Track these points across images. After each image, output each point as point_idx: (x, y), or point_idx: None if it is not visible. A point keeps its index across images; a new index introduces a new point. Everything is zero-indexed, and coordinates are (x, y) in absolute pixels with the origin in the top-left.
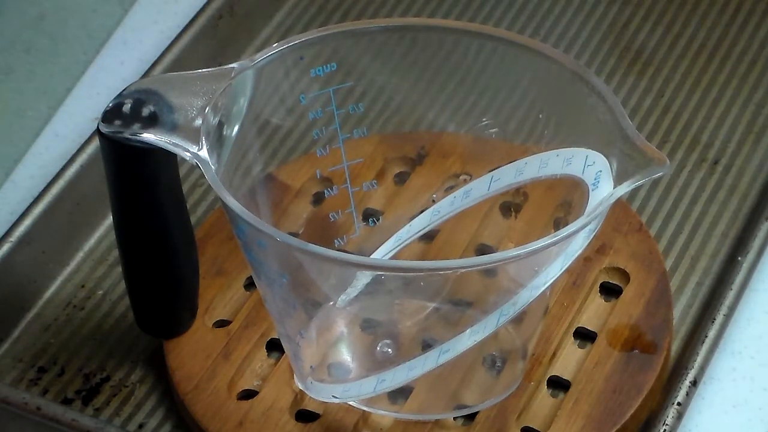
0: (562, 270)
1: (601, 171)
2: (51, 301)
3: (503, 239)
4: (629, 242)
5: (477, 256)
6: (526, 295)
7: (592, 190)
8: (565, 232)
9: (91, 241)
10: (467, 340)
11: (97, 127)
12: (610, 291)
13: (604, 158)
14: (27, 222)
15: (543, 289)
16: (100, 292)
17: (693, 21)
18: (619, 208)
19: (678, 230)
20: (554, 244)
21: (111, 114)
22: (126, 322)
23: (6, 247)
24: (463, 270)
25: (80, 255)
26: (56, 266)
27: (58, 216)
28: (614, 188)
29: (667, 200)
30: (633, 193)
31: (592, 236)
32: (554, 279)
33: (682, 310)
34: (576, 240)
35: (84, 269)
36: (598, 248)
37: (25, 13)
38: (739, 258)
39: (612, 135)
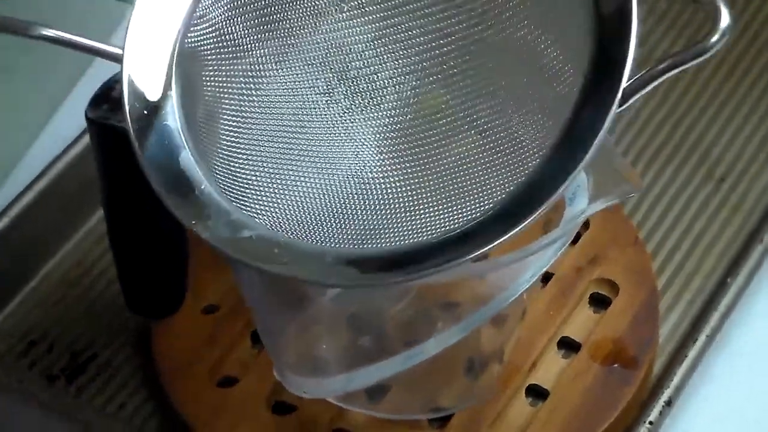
0: (531, 282)
1: (579, 186)
2: (47, 278)
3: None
4: (623, 255)
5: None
6: (497, 304)
7: (568, 204)
8: (530, 249)
9: (92, 221)
10: (434, 345)
11: (85, 112)
12: (600, 303)
13: (584, 174)
14: (28, 197)
15: (513, 298)
16: (96, 271)
17: None
18: (617, 219)
19: (676, 246)
20: (518, 260)
21: (99, 99)
22: (119, 303)
23: (5, 221)
24: (426, 282)
25: (80, 233)
26: (55, 243)
27: (60, 193)
28: (588, 205)
29: (669, 215)
30: (635, 206)
31: (561, 250)
32: (523, 290)
33: (670, 328)
34: (545, 254)
35: (83, 248)
36: (591, 259)
37: (25, 12)
38: (728, 279)
39: None
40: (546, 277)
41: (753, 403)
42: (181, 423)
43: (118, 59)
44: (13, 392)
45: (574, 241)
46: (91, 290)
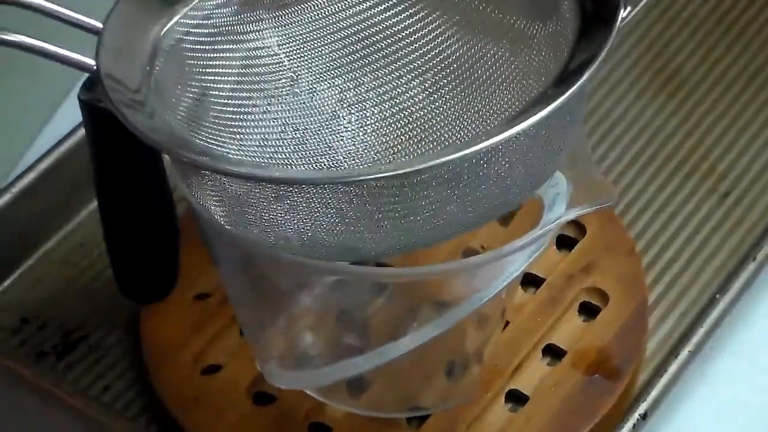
0: (506, 283)
1: (559, 194)
2: (47, 256)
3: (492, 245)
4: (617, 265)
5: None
6: (471, 304)
7: (547, 210)
8: (507, 250)
9: (94, 203)
10: (409, 342)
11: (78, 94)
12: (589, 311)
13: (565, 181)
14: (32, 174)
15: (487, 299)
16: (95, 253)
17: (735, 49)
18: (614, 229)
19: (674, 258)
20: (495, 260)
21: (92, 82)
22: (115, 285)
23: (7, 197)
24: (395, 279)
25: (81, 216)
26: (55, 224)
27: (66, 172)
28: (565, 211)
29: (670, 227)
30: (635, 216)
31: (537, 254)
32: (496, 292)
33: (659, 341)
34: (520, 257)
35: (82, 230)
36: (584, 267)
37: (25, 11)
38: (717, 296)
39: (574, 158)
40: (538, 283)
41: (731, 420)
42: (163, 409)
43: (86, 69)
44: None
45: (570, 248)
46: (89, 270)
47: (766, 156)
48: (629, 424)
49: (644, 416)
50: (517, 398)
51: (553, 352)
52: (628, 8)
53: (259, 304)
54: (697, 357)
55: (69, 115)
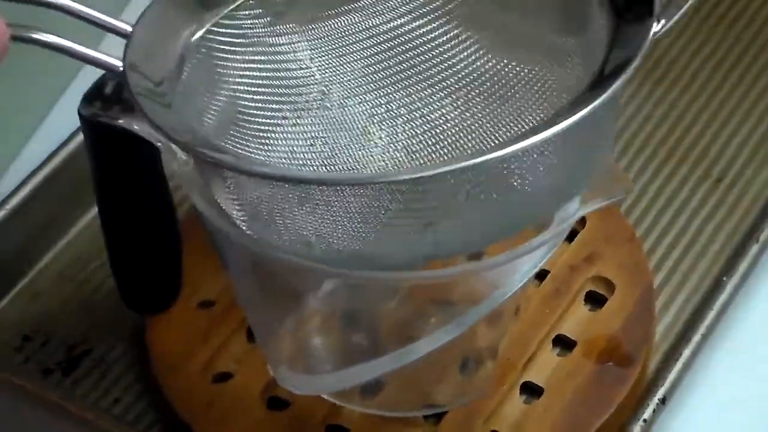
0: (523, 281)
1: None
2: (44, 271)
3: (494, 251)
4: (619, 253)
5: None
6: (489, 304)
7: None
8: (523, 249)
9: (89, 215)
10: (427, 343)
11: (78, 109)
12: (596, 301)
13: None
14: (27, 189)
15: (504, 298)
16: (93, 266)
17: (716, 35)
18: (613, 218)
19: (673, 245)
20: (511, 260)
21: (91, 96)
22: (115, 297)
23: (3, 213)
24: (412, 282)
25: (77, 228)
26: (52, 238)
27: (61, 185)
28: (580, 206)
29: (666, 214)
30: (631, 205)
31: (552, 251)
32: (513, 291)
33: (666, 326)
34: (536, 254)
35: (80, 242)
36: (586, 256)
37: (23, 11)
38: (724, 278)
39: None
40: (541, 275)
41: (747, 402)
42: (176, 419)
43: (113, 70)
44: (8, 386)
45: (570, 239)
46: (87, 284)
47: (755, 139)
48: (649, 409)
49: (663, 401)
50: (531, 390)
51: (564, 343)
52: (662, 21)
53: (270, 307)
54: (708, 340)
55: (65, 116)
